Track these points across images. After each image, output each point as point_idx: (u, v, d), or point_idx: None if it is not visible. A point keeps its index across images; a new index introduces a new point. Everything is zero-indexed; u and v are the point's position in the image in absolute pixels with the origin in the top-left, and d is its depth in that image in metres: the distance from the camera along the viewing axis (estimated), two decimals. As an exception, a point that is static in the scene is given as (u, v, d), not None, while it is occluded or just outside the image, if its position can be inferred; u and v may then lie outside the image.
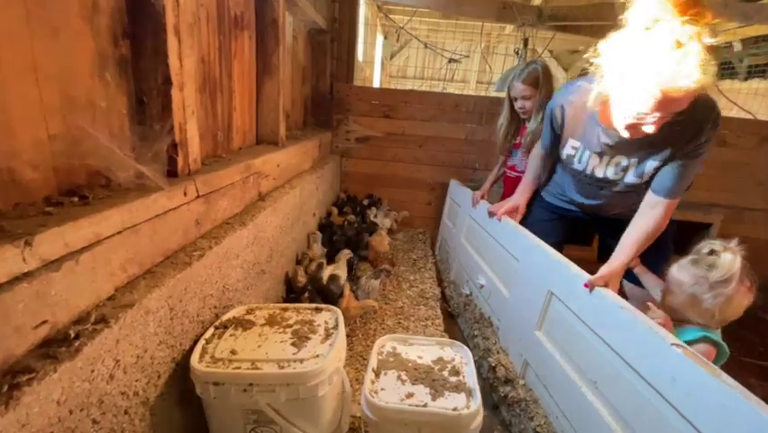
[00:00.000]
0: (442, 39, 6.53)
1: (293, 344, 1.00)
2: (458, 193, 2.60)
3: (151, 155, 1.04)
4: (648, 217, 1.29)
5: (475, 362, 1.84)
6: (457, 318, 2.18)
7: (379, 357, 1.12)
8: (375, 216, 2.78)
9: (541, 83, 1.94)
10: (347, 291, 1.71)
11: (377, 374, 1.04)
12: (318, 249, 2.13)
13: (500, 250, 1.78)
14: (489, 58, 6.81)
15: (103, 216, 0.78)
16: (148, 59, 1.05)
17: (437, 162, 3.14)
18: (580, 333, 1.17)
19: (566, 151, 1.50)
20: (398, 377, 1.03)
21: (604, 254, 1.60)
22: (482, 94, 5.30)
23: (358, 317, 1.78)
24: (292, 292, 1.76)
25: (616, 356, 1.02)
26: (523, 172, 2.16)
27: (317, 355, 0.96)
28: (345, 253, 2.09)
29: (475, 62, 7.91)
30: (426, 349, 1.17)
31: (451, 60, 4.26)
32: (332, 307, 1.19)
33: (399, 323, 1.85)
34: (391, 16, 5.13)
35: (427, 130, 3.08)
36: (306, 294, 1.64)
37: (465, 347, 1.17)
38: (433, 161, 3.13)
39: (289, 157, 1.96)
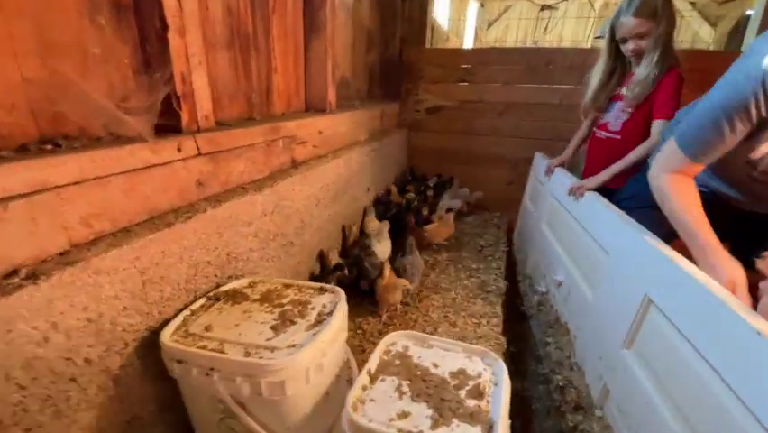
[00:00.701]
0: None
1: (273, 327, 0.84)
2: (543, 169, 2.15)
3: (146, 106, 0.96)
4: None
5: (543, 376, 1.52)
6: (530, 319, 1.83)
7: (384, 357, 0.89)
8: (440, 197, 2.48)
9: (660, 13, 1.40)
10: (387, 271, 1.49)
11: (372, 379, 0.82)
12: (372, 223, 1.95)
13: (585, 238, 1.41)
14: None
15: (49, 163, 0.70)
16: (146, 1, 0.96)
17: (521, 134, 2.67)
18: (687, 361, 0.80)
19: (764, 149, 0.89)
20: (398, 387, 0.79)
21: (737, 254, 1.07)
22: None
23: (398, 303, 1.56)
24: (324, 269, 1.62)
25: (741, 407, 0.65)
26: (617, 133, 1.65)
27: (293, 345, 0.78)
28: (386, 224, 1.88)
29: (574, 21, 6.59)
30: (448, 356, 0.90)
31: (544, 8, 3.58)
32: (337, 289, 0.99)
33: (446, 317, 1.58)
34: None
35: (510, 95, 2.62)
36: (337, 273, 1.48)
37: (500, 361, 0.86)
38: (516, 133, 2.67)
39: (336, 124, 1.80)
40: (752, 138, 0.89)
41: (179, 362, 0.79)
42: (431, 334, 1.50)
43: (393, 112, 2.75)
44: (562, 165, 1.89)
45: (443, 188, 2.61)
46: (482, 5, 7.33)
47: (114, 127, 0.87)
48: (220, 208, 1.03)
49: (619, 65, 1.61)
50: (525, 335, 1.82)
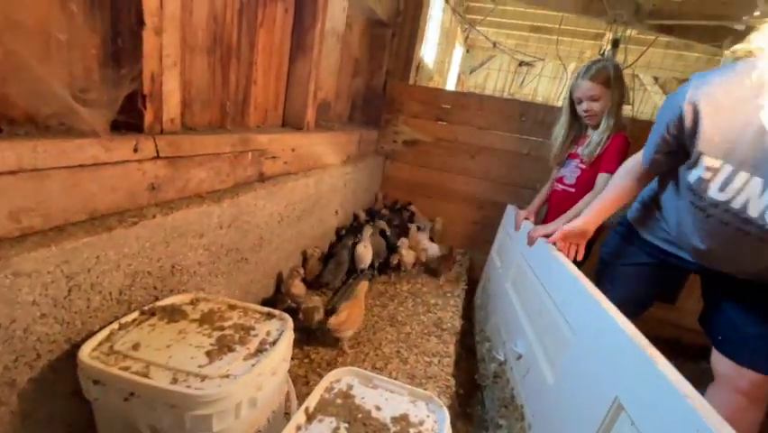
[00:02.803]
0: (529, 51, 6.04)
1: (208, 353, 0.78)
2: (513, 222, 2.00)
3: (106, 101, 0.91)
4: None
5: None
6: (483, 391, 1.67)
7: (325, 395, 0.84)
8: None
9: (612, 83, 1.56)
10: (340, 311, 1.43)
11: (309, 418, 0.77)
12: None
13: (551, 309, 1.26)
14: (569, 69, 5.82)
15: (-23, 147, 0.63)
16: (125, -6, 0.93)
17: (490, 177, 2.76)
18: None
19: (696, 173, 1.01)
20: (335, 429, 0.75)
21: (711, 323, 1.16)
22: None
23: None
24: (279, 292, 1.56)
25: None
26: (572, 186, 1.76)
27: (227, 375, 0.72)
28: (369, 229, 1.91)
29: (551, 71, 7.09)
30: (393, 398, 0.86)
31: (522, 64, 3.83)
32: (285, 316, 0.95)
33: (398, 352, 1.54)
34: (476, 27, 4.84)
35: (483, 139, 2.73)
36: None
37: (444, 409, 0.84)
38: (485, 175, 2.76)
39: (311, 143, 1.79)
40: (687, 163, 1.05)
41: (96, 382, 0.71)
42: (382, 369, 1.47)
43: (371, 139, 2.78)
44: (528, 219, 1.94)
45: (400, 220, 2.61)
46: (468, 51, 7.76)
47: (65, 118, 0.81)
48: (170, 217, 0.97)
49: (576, 125, 1.74)
50: (473, 404, 1.67)
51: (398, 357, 1.52)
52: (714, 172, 0.97)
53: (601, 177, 1.63)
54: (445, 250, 2.34)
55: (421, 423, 0.80)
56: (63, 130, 0.82)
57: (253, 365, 0.76)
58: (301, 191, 1.64)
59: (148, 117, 0.99)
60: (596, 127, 1.68)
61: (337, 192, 2.10)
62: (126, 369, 0.71)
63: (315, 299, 1.54)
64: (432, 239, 2.67)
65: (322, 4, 1.71)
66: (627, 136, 1.66)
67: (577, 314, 1.09)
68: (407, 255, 2.21)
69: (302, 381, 1.32)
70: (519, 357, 1.41)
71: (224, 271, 1.24)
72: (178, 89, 1.07)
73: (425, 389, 1.37)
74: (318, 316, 1.48)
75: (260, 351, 0.81)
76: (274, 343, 0.84)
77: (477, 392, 1.75)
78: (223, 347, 0.80)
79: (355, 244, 1.97)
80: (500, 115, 2.65)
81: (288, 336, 0.88)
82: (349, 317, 1.44)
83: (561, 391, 1.08)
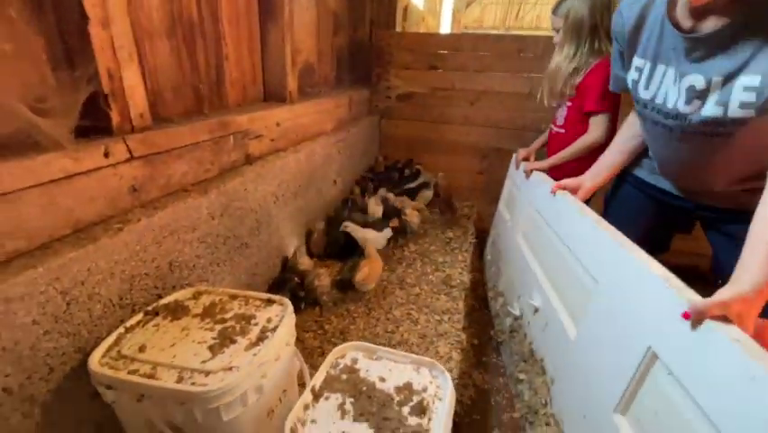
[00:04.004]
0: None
1: (211, 347, 0.80)
2: (519, 171, 1.89)
3: (67, 107, 0.87)
4: None
5: (515, 420, 1.43)
6: (500, 346, 1.67)
7: (331, 372, 0.87)
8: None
9: (569, 11, 1.49)
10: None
11: (316, 397, 0.80)
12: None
13: (568, 258, 1.19)
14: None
15: (-62, 181, 0.62)
16: (62, -12, 0.86)
17: (492, 123, 2.64)
18: None
19: (630, 76, 1.07)
20: (341, 405, 0.78)
21: (720, 271, 1.10)
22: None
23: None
24: (287, 270, 1.58)
25: None
26: (562, 127, 1.68)
27: (230, 368, 0.75)
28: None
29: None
30: (396, 368, 0.89)
31: None
32: (285, 301, 0.96)
33: (409, 314, 1.57)
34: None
35: (482, 83, 2.57)
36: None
37: (446, 374, 0.86)
38: (487, 122, 2.64)
39: (297, 115, 1.72)
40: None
41: (109, 387, 0.75)
42: (393, 331, 1.52)
43: (363, 98, 2.66)
44: (527, 159, 1.87)
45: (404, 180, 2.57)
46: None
47: (27, 133, 0.78)
48: (156, 216, 0.96)
49: None
50: (490, 360, 1.68)
51: (409, 319, 1.55)
52: (640, 72, 1.03)
53: (594, 119, 1.53)
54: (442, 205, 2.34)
55: (424, 389, 0.82)
56: (29, 145, 0.80)
57: (255, 355, 0.78)
58: (293, 167, 1.60)
59: (114, 117, 0.95)
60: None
61: (333, 161, 2.05)
62: (135, 372, 0.75)
63: (322, 271, 1.56)
64: (438, 195, 2.65)
65: (285, -43, 1.56)
66: (607, 60, 1.52)
67: (598, 262, 1.02)
68: (411, 216, 2.20)
69: (318, 351, 1.37)
70: (536, 311, 1.36)
71: (225, 259, 1.25)
72: (141, 82, 1.02)
73: (436, 347, 1.42)
74: (326, 287, 1.51)
75: (261, 339, 0.83)
76: (275, 329, 0.86)
77: (492, 342, 1.80)
78: (225, 340, 0.82)
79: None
80: (497, 54, 2.47)
81: (288, 321, 0.89)
82: (371, 272, 1.62)
83: (585, 345, 1.02)
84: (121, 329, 0.86)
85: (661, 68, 0.97)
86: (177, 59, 1.24)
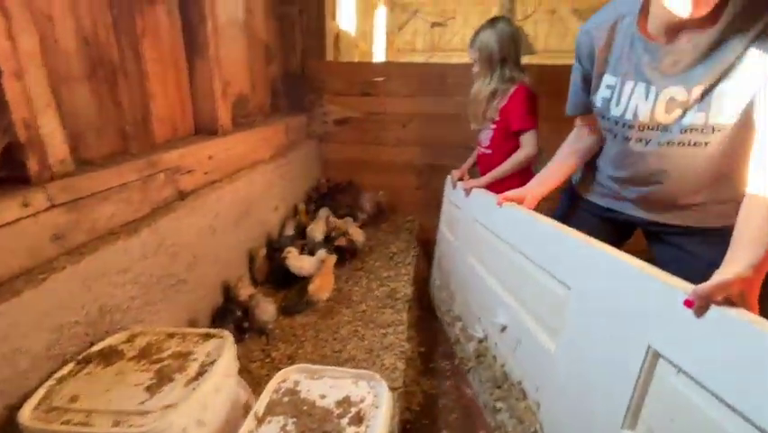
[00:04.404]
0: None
1: (148, 387, 0.81)
2: (457, 191, 1.88)
3: (-23, 160, 0.86)
4: None
5: (460, 419, 1.47)
6: (467, 374, 1.56)
7: (273, 396, 0.91)
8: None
9: (481, 43, 1.71)
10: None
11: (259, 422, 0.84)
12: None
13: (530, 269, 1.13)
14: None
15: None
16: (-32, 40, 0.85)
17: (424, 143, 2.83)
18: None
19: (600, 94, 1.07)
20: (283, 427, 0.82)
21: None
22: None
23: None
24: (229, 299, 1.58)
25: None
26: (488, 148, 1.88)
27: (168, 406, 0.77)
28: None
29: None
30: (336, 384, 0.95)
31: (434, 24, 3.84)
32: (224, 333, 0.99)
33: (356, 331, 1.64)
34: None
35: (412, 107, 2.77)
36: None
37: (383, 383, 0.94)
38: (419, 142, 2.83)
39: (230, 147, 1.75)
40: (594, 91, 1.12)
41: (39, 442, 0.73)
42: (341, 350, 1.57)
43: (300, 124, 2.73)
44: (461, 180, 2.02)
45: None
46: (391, 10, 7.54)
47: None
48: (83, 263, 0.95)
49: None
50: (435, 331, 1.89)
51: (356, 336, 1.61)
52: (612, 90, 1.04)
53: (524, 137, 1.73)
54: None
55: (362, 400, 0.90)
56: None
57: (194, 390, 0.81)
58: (229, 198, 1.62)
59: (32, 167, 0.94)
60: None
61: (274, 187, 2.09)
62: (68, 422, 0.74)
63: (266, 299, 1.59)
64: (383, 211, 2.78)
65: (207, 0, 1.61)
66: (528, 87, 1.75)
67: (567, 266, 0.97)
68: (356, 234, 2.28)
69: (265, 380, 1.36)
70: (503, 329, 1.27)
71: (162, 298, 1.25)
72: (59, 128, 1.02)
73: (382, 359, 1.49)
74: (271, 315, 1.54)
75: (200, 374, 0.86)
76: (213, 363, 0.89)
77: (438, 349, 1.91)
78: (163, 378, 0.84)
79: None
80: (423, 80, 2.68)
81: (228, 353, 0.92)
82: (322, 284, 1.75)
83: (569, 358, 0.94)
84: (51, 381, 0.84)
85: (629, 84, 0.99)
86: (98, 101, 1.24)
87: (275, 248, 1.90)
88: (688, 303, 0.65)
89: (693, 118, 0.90)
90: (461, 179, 2.02)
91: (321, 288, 1.75)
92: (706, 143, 0.92)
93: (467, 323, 1.61)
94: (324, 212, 2.29)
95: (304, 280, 1.78)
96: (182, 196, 1.43)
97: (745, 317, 0.60)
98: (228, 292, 1.63)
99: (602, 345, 0.84)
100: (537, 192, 1.29)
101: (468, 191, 1.75)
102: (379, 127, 2.83)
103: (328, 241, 2.13)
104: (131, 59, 1.35)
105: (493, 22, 1.76)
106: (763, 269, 0.68)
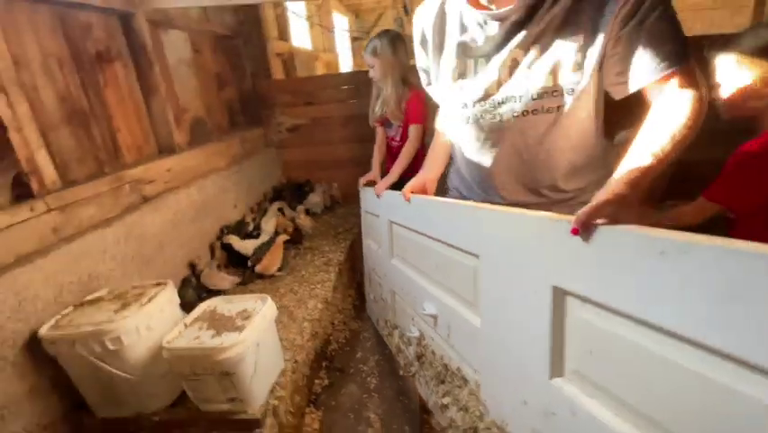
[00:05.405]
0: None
1: (116, 311, 1.33)
2: (373, 200, 1.87)
3: (2, 185, 1.39)
4: (664, 106, 0.80)
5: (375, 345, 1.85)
6: (415, 381, 1.48)
7: (198, 313, 1.41)
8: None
9: (380, 52, 2.12)
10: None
11: (186, 326, 1.34)
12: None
13: (447, 252, 1.14)
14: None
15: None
16: (-15, 112, 1.38)
17: (364, 139, 3.31)
18: (658, 360, 0.59)
19: (444, 81, 1.06)
20: (200, 327, 1.33)
21: None
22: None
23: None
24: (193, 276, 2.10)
25: None
26: (401, 142, 2.33)
27: (126, 317, 1.28)
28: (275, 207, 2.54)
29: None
30: (241, 304, 1.45)
31: (355, 39, 4.31)
32: (168, 281, 1.50)
33: (292, 288, 2.13)
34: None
35: (349, 109, 3.26)
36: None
37: (268, 299, 1.43)
38: (358, 138, 3.32)
39: (185, 161, 2.27)
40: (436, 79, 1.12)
41: (52, 343, 1.25)
42: (276, 302, 2.05)
43: (256, 135, 3.25)
44: (375, 182, 2.47)
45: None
46: (357, 16, 8.05)
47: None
48: (74, 243, 1.48)
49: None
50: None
51: (291, 291, 2.11)
52: (454, 71, 1.02)
53: (412, 128, 2.18)
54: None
55: (254, 309, 1.39)
56: (-22, 212, 1.30)
57: (142, 306, 1.32)
58: (185, 200, 2.15)
59: (34, 186, 1.47)
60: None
61: (229, 190, 2.61)
62: (64, 329, 1.26)
63: (223, 275, 2.12)
64: (336, 201, 3.28)
65: (153, 51, 2.13)
66: (420, 92, 2.20)
67: (474, 237, 0.99)
68: (305, 221, 2.79)
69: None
70: (435, 321, 1.27)
71: (135, 271, 1.77)
72: (50, 161, 1.54)
73: (307, 304, 1.98)
74: (227, 282, 2.07)
75: (149, 300, 1.37)
76: (158, 294, 1.40)
77: (365, 306, 2.38)
78: (125, 305, 1.34)
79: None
80: (354, 86, 3.17)
81: (168, 290, 1.43)
82: (270, 261, 2.24)
83: (492, 328, 0.96)
84: (58, 316, 1.36)
85: (471, 62, 0.96)
86: (76, 139, 1.76)
87: (218, 238, 2.40)
88: (574, 231, 0.68)
89: (543, 81, 0.88)
90: (372, 181, 2.46)
91: (268, 265, 2.24)
92: (560, 108, 0.90)
93: (404, 327, 1.59)
94: (275, 205, 2.78)
95: (254, 259, 2.29)
96: (146, 200, 1.95)
97: (623, 228, 0.61)
98: (194, 269, 2.16)
99: (514, 302, 0.84)
100: (433, 175, 1.33)
101: (380, 192, 1.76)
102: (325, 130, 3.34)
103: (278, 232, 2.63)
104: (98, 106, 1.88)
105: (388, 32, 2.20)
106: (637, 184, 0.71)
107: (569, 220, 0.69)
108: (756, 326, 0.46)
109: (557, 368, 0.77)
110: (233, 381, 1.24)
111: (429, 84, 1.21)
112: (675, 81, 0.80)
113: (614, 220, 0.65)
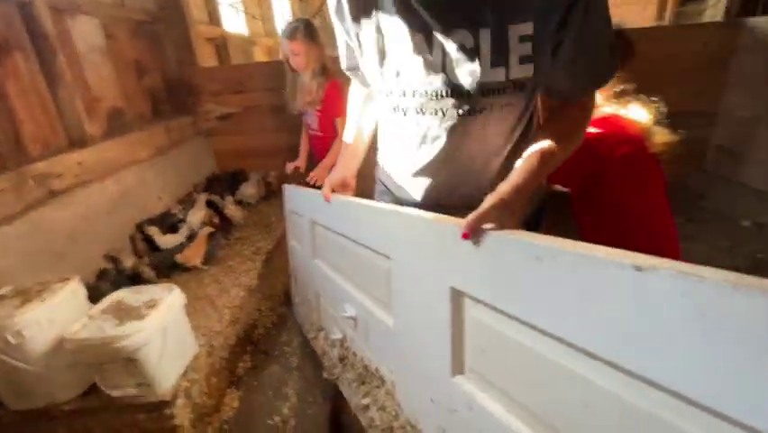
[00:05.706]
0: None
1: (16, 306, 1.34)
2: (296, 200, 1.78)
3: None
4: (558, 118, 0.83)
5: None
6: (340, 386, 1.42)
7: (104, 305, 1.46)
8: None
9: (305, 37, 2.13)
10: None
11: (91, 318, 1.39)
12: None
13: (365, 254, 1.13)
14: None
15: None
16: None
17: (295, 126, 3.36)
18: (540, 357, 0.62)
19: (369, 64, 0.90)
20: (105, 318, 1.39)
21: None
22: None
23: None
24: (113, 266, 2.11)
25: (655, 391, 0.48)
26: (318, 131, 2.42)
27: (25, 312, 1.31)
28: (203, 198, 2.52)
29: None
30: (149, 294, 1.51)
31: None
32: (75, 277, 1.53)
33: (217, 279, 2.19)
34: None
35: (281, 98, 3.27)
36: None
37: (176, 288, 1.51)
38: (294, 127, 3.35)
39: (99, 152, 2.22)
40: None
41: (-54, 342, 1.26)
42: (201, 294, 2.12)
43: (184, 124, 3.18)
44: (299, 167, 2.55)
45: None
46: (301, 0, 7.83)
47: None
48: (-32, 242, 1.46)
49: (298, 76, 2.33)
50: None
51: (215, 281, 2.18)
52: (381, 54, 0.86)
53: (337, 121, 2.26)
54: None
55: (160, 298, 1.46)
56: None
57: (43, 301, 1.35)
58: (98, 193, 2.12)
59: None
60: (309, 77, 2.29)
61: (152, 182, 2.58)
62: (-38, 329, 1.27)
63: (145, 268, 2.14)
64: (272, 190, 3.32)
65: (56, 39, 2.05)
66: (338, 81, 2.28)
67: (386, 239, 0.98)
68: (234, 211, 2.82)
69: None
70: (354, 322, 1.26)
71: (46, 266, 1.76)
72: (-66, 157, 1.49)
73: (230, 292, 2.06)
74: (149, 274, 2.09)
75: (51, 295, 1.40)
76: (62, 289, 1.43)
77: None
78: (26, 300, 1.35)
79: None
80: (281, 74, 3.18)
81: (72, 284, 1.46)
82: (191, 254, 2.25)
83: (402, 328, 0.98)
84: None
85: (403, 45, 0.80)
86: (-30, 132, 1.70)
87: (142, 230, 2.40)
88: (464, 236, 0.69)
89: (492, 75, 0.75)
90: (298, 167, 2.55)
91: (190, 256, 2.26)
92: (510, 105, 0.80)
93: (328, 330, 1.57)
94: (203, 196, 2.79)
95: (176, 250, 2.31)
96: (54, 194, 1.92)
97: (506, 234, 0.64)
98: (115, 262, 2.16)
99: (420, 302, 0.88)
100: (353, 167, 1.24)
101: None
102: (259, 118, 3.34)
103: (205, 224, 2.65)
104: (-4, 98, 1.81)
105: (305, 19, 2.24)
106: (522, 190, 0.72)
107: (461, 225, 0.71)
108: (605, 323, 0.50)
109: (458, 366, 0.81)
110: (137, 366, 1.32)
111: (354, 65, 1.05)
112: (584, 101, 0.85)
113: (500, 225, 0.67)
